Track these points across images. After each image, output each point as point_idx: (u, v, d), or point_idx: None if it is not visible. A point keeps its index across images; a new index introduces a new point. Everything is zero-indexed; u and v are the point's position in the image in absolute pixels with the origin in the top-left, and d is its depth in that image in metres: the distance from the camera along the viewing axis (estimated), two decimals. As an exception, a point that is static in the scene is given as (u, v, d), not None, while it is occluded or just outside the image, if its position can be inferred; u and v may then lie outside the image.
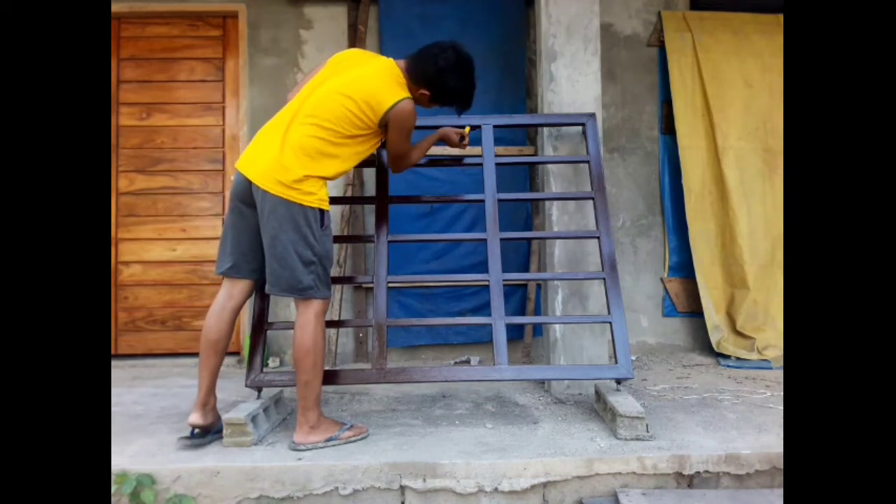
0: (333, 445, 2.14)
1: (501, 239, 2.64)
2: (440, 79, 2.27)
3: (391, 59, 2.31)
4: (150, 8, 3.85)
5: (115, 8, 3.74)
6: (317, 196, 2.14)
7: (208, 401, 2.23)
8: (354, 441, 2.19)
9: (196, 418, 2.18)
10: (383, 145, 2.43)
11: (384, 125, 2.23)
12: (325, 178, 2.18)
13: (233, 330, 2.27)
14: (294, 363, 2.18)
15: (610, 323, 2.50)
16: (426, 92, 2.31)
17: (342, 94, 2.16)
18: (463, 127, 2.65)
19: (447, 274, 3.71)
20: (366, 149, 2.28)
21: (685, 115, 3.84)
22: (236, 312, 2.26)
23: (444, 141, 2.64)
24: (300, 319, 2.16)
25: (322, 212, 2.16)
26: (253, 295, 2.38)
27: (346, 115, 2.15)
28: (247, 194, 2.16)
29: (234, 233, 2.24)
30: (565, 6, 2.91)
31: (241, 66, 3.87)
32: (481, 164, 2.77)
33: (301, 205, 2.10)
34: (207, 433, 2.20)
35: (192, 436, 2.17)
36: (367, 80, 2.20)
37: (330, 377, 2.65)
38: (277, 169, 2.09)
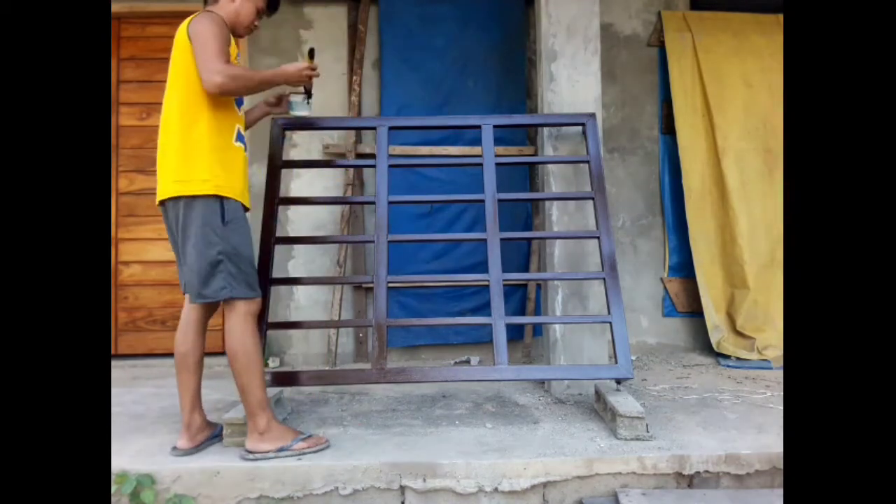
0: (284, 456, 2.05)
1: (501, 239, 2.64)
2: None
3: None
4: (150, 8, 3.85)
5: (115, 8, 3.74)
6: (211, 182, 2.02)
7: (193, 420, 2.16)
8: (309, 453, 2.08)
9: (184, 443, 2.12)
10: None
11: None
12: (213, 149, 2.06)
13: (202, 343, 2.21)
14: (230, 368, 2.10)
15: (610, 323, 2.50)
16: None
17: (172, 58, 2.10)
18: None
19: (447, 274, 3.71)
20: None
21: (685, 115, 3.84)
22: (201, 324, 2.20)
23: (287, 82, 2.26)
24: (226, 324, 2.09)
25: (222, 203, 2.04)
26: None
27: (177, 69, 2.06)
28: (165, 216, 2.15)
29: (175, 251, 2.18)
30: (565, 6, 2.91)
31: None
32: (481, 164, 2.77)
33: (193, 197, 2.01)
34: (198, 450, 2.15)
35: (186, 453, 2.12)
36: (180, 31, 2.09)
37: (330, 377, 2.66)
38: (167, 172, 2.07)
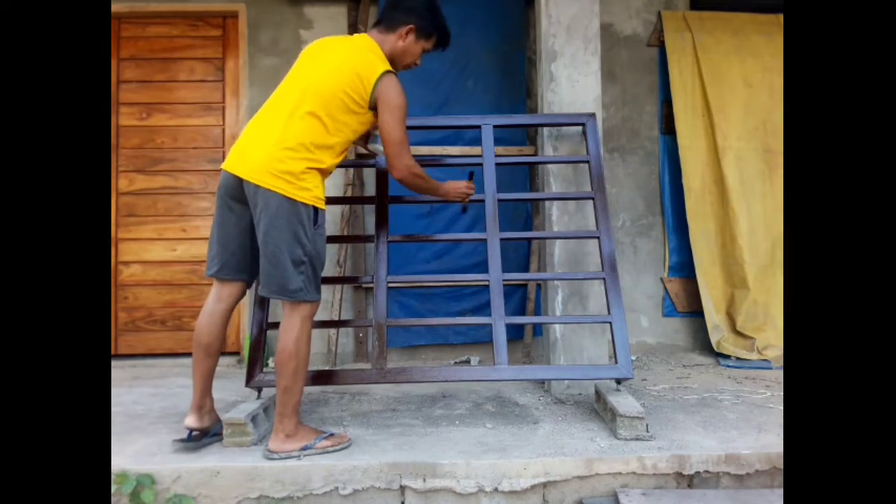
0: (309, 455, 2.06)
1: (501, 239, 2.64)
2: (429, 3, 2.25)
3: (364, 34, 2.27)
4: (150, 8, 3.85)
5: (115, 8, 3.74)
6: (313, 193, 2.07)
7: (204, 403, 2.19)
8: (332, 451, 2.09)
9: (192, 421, 2.15)
10: (376, 149, 2.39)
11: (374, 104, 2.14)
12: (322, 171, 2.12)
13: (225, 332, 2.23)
14: (276, 367, 2.10)
15: (610, 323, 2.50)
16: (413, 26, 2.23)
17: (332, 76, 2.11)
18: (469, 176, 2.56)
19: (447, 274, 3.71)
20: (356, 132, 2.21)
21: (685, 115, 3.84)
22: (227, 315, 2.21)
23: (448, 196, 2.48)
24: (286, 322, 2.09)
25: (316, 210, 2.10)
26: (249, 295, 2.34)
27: (339, 95, 2.09)
28: (237, 191, 2.10)
29: (222, 232, 2.17)
30: (565, 6, 2.91)
31: (241, 67, 3.88)
32: (481, 164, 2.77)
33: (295, 200, 2.03)
34: (205, 436, 2.17)
35: (189, 438, 2.14)
36: (353, 54, 2.15)
37: (330, 377, 2.66)
38: (272, 162, 2.03)
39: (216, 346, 2.20)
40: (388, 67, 2.17)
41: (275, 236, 2.03)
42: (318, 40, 2.30)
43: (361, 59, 2.15)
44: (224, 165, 2.14)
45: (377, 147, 2.48)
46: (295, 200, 2.04)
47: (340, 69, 2.12)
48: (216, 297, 2.20)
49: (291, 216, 2.03)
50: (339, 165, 3.70)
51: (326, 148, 2.11)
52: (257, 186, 2.03)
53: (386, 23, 2.26)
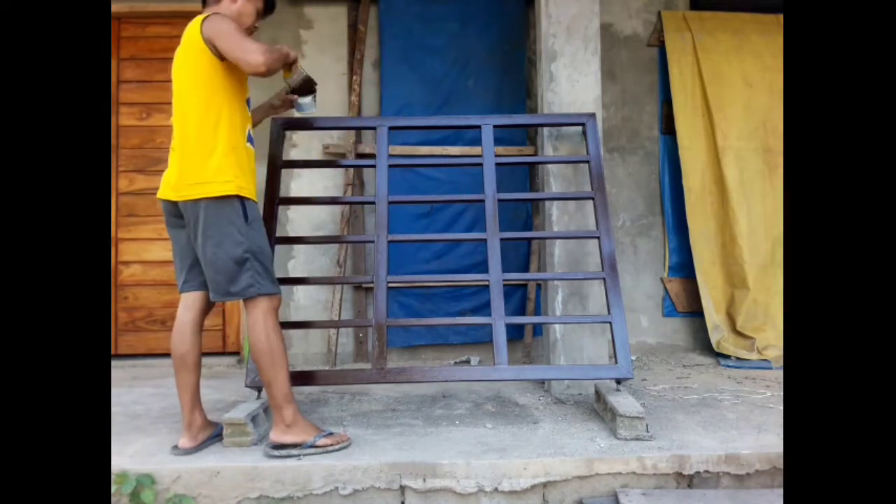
0: (309, 455, 2.06)
1: (501, 239, 2.64)
2: None
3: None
4: (150, 8, 3.85)
5: (115, 8, 3.74)
6: (233, 183, 2.06)
7: (193, 420, 2.17)
8: (332, 451, 2.09)
9: (185, 442, 2.14)
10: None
11: (215, 50, 2.05)
12: (230, 150, 2.08)
13: (198, 342, 2.22)
14: (255, 364, 2.13)
15: (610, 323, 2.50)
16: None
17: (178, 65, 2.12)
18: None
19: (447, 274, 3.71)
20: (229, 88, 2.12)
21: (685, 115, 3.84)
22: (197, 324, 2.22)
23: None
24: (249, 320, 2.12)
25: (243, 203, 2.09)
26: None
27: (190, 70, 2.09)
28: (175, 213, 2.17)
29: (177, 250, 2.24)
30: (565, 6, 2.91)
31: (241, 66, 3.87)
32: (481, 164, 2.77)
33: (215, 198, 2.04)
34: (200, 449, 2.16)
35: (187, 450, 2.13)
36: (187, 30, 2.12)
37: (330, 377, 2.66)
38: (184, 175, 2.08)
39: (192, 357, 2.19)
40: (206, 14, 2.13)
41: (209, 244, 2.06)
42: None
43: (190, 26, 2.12)
44: (158, 196, 2.21)
45: (305, 113, 2.41)
46: (219, 199, 2.05)
47: (182, 48, 2.12)
48: (183, 307, 2.23)
49: (220, 220, 2.06)
50: (339, 165, 3.74)
51: (216, 126, 2.08)
52: (184, 202, 2.09)
53: None
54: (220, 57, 2.07)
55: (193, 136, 2.09)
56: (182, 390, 2.19)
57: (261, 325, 2.10)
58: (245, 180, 2.12)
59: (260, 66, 2.00)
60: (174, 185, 2.12)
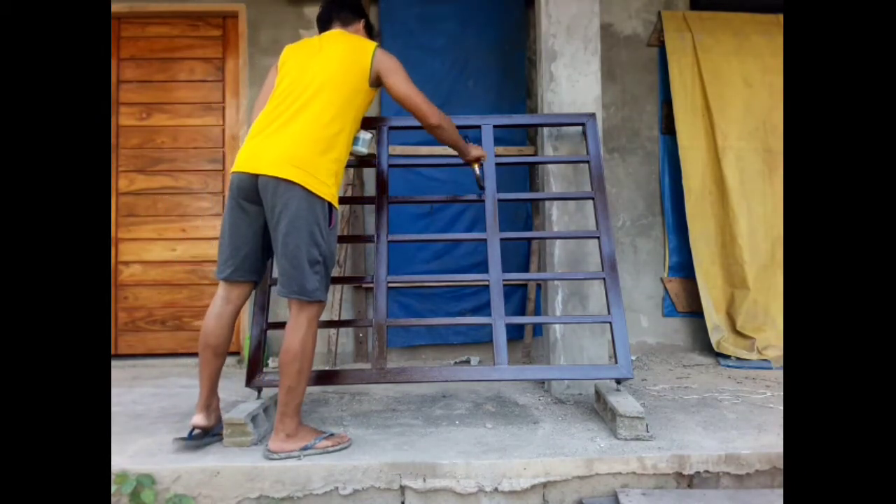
0: (309, 455, 2.05)
1: (501, 239, 2.64)
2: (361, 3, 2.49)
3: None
4: (150, 8, 3.85)
5: (115, 8, 3.74)
6: (331, 190, 2.12)
7: (211, 402, 2.21)
8: (332, 451, 2.09)
9: (199, 419, 2.15)
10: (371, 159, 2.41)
11: (375, 79, 2.25)
12: (339, 162, 2.17)
13: (232, 333, 2.23)
14: (279, 366, 2.09)
15: (610, 323, 2.50)
16: (364, 21, 2.46)
17: (333, 64, 2.20)
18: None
19: (447, 274, 3.71)
20: (360, 110, 2.29)
21: (685, 115, 3.84)
22: (236, 316, 2.22)
23: (464, 154, 2.57)
24: (293, 322, 2.08)
25: (331, 209, 2.13)
26: (252, 294, 2.35)
27: (346, 79, 2.19)
28: (251, 192, 2.10)
29: (235, 234, 2.16)
30: (565, 6, 2.91)
31: (241, 66, 3.88)
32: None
33: (314, 195, 2.05)
34: (206, 434, 2.17)
35: (191, 437, 2.13)
36: (343, 41, 2.29)
37: (330, 377, 2.66)
38: (292, 155, 2.05)
39: (224, 347, 2.21)
40: (376, 44, 2.30)
41: (295, 237, 2.05)
42: (294, 44, 2.38)
43: (352, 42, 2.28)
44: (236, 167, 2.13)
45: (359, 150, 2.52)
46: (314, 195, 2.06)
47: (340, 56, 2.22)
48: (225, 298, 2.20)
49: (310, 215, 2.06)
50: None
51: (339, 134, 2.17)
52: (278, 180, 2.03)
53: (341, 22, 2.41)
54: (374, 85, 2.26)
55: (317, 130, 2.11)
56: (205, 374, 2.19)
57: (303, 331, 2.07)
58: (338, 189, 2.19)
59: (434, 124, 2.30)
60: (272, 159, 2.05)
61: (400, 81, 2.24)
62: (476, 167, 2.61)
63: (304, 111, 2.12)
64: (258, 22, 3.88)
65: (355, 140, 2.45)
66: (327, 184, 2.10)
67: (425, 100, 2.26)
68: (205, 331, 2.18)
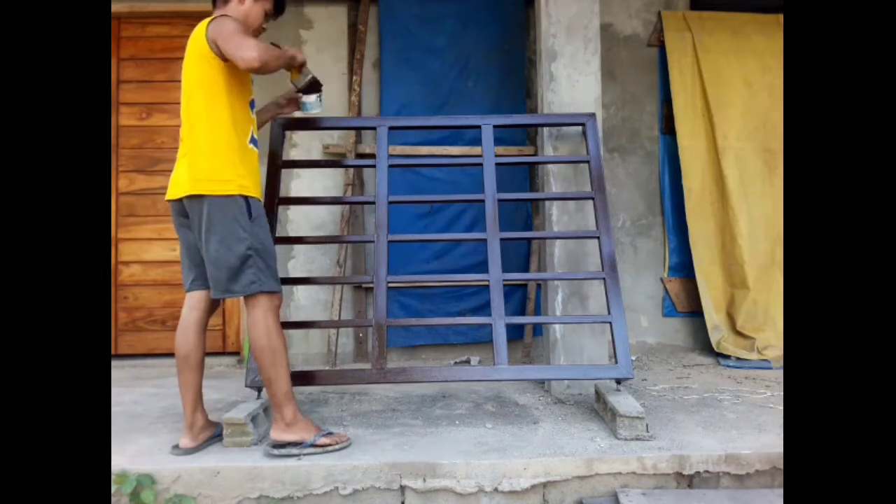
0: (309, 455, 2.06)
1: (501, 239, 2.64)
2: None
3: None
4: (150, 8, 3.85)
5: (115, 8, 3.74)
6: (237, 182, 2.09)
7: (195, 420, 2.18)
8: (332, 451, 2.09)
9: (186, 442, 2.14)
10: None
11: (219, 52, 2.06)
12: (236, 151, 2.11)
13: (202, 342, 2.23)
14: (256, 363, 2.14)
15: (610, 323, 2.50)
16: None
17: (187, 67, 2.14)
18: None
19: (447, 274, 3.71)
20: (228, 84, 2.12)
21: (685, 115, 3.84)
22: (202, 323, 2.23)
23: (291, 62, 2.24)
24: (249, 319, 2.13)
25: (247, 201, 2.11)
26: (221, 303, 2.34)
27: (197, 72, 2.10)
28: (183, 213, 2.18)
29: (184, 249, 2.25)
30: (565, 6, 2.91)
31: (241, 66, 3.87)
32: (481, 164, 2.77)
33: (222, 197, 2.06)
34: (200, 449, 2.16)
35: (188, 450, 2.14)
36: (191, 39, 2.15)
37: (330, 377, 2.66)
38: (190, 171, 2.09)
39: (195, 357, 2.20)
40: (209, 18, 2.14)
41: (213, 240, 2.07)
42: None
43: (196, 33, 2.14)
44: (166, 197, 2.21)
45: (311, 113, 2.44)
46: (221, 197, 2.07)
47: (189, 57, 2.14)
48: (188, 306, 2.24)
49: (223, 217, 2.07)
50: (339, 165, 3.74)
51: (220, 125, 2.10)
52: (189, 200, 2.10)
53: (220, 2, 2.23)
54: (224, 58, 2.08)
55: (199, 137, 2.11)
56: (184, 390, 2.19)
57: (262, 324, 2.10)
58: (248, 180, 2.14)
59: (253, 61, 1.97)
60: (180, 183, 2.13)
61: (226, 44, 2.02)
62: (296, 77, 2.31)
63: (188, 126, 2.14)
64: (258, 22, 3.87)
65: (302, 106, 2.40)
66: (231, 179, 2.08)
67: (241, 47, 1.98)
68: (175, 342, 2.21)
